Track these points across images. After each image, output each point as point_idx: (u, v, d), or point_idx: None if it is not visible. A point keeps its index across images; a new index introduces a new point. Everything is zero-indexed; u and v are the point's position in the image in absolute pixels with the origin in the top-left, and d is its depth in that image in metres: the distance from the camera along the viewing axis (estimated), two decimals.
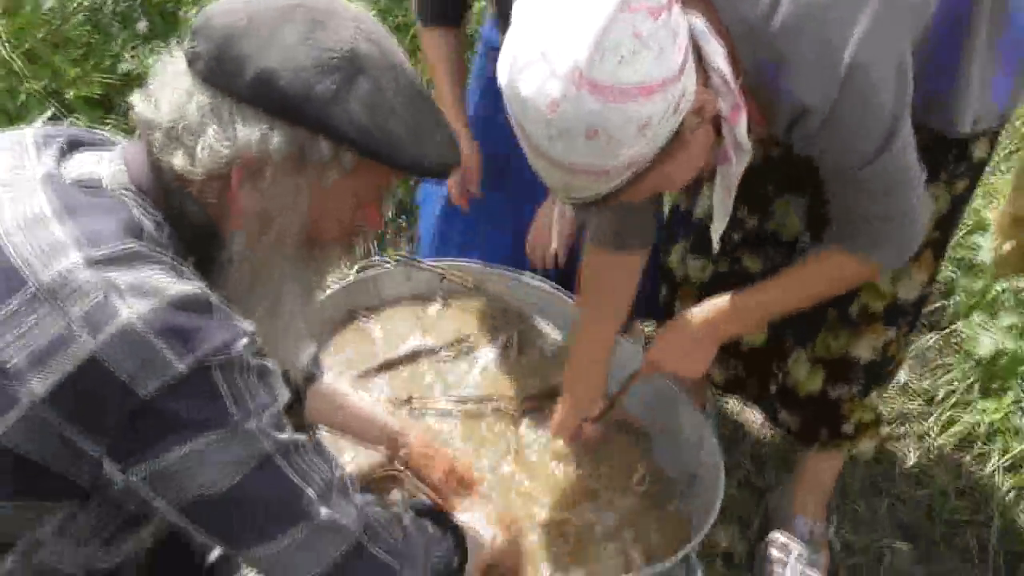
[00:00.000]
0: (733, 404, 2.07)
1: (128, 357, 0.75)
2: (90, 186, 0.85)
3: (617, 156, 0.94)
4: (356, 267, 1.87)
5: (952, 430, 2.01)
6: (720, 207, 1.17)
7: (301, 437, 0.87)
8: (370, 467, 1.42)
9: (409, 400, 1.58)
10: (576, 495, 1.44)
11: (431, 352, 1.71)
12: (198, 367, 0.77)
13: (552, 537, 1.36)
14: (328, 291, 1.76)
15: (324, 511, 0.86)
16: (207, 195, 0.86)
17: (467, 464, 1.42)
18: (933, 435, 2.02)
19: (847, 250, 1.21)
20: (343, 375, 1.60)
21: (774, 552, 1.65)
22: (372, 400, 1.47)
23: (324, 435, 1.45)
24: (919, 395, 2.13)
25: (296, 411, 1.30)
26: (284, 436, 0.84)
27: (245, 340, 0.81)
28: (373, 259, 1.89)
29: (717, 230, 1.19)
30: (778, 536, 1.68)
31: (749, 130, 1.07)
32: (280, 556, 0.85)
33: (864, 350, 1.46)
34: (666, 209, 1.72)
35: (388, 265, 1.84)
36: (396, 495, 1.34)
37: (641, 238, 1.40)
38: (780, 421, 1.64)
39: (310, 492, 0.85)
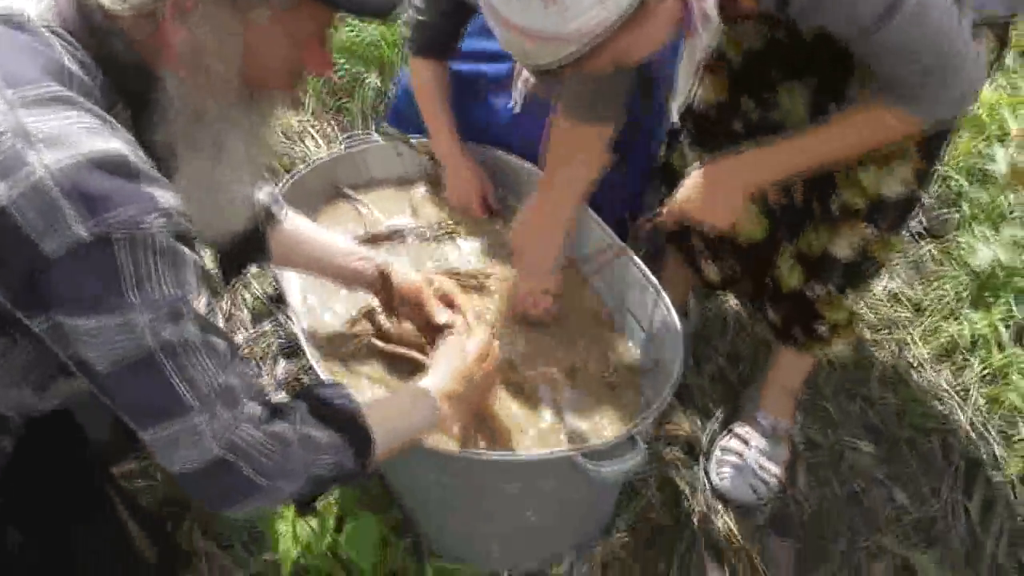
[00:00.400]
0: (716, 301, 2.07)
1: (35, 213, 0.72)
2: (13, 20, 0.80)
3: (574, 21, 0.91)
4: (343, 141, 1.86)
5: (934, 339, 2.00)
6: (683, 80, 1.12)
7: (196, 334, 0.84)
8: (350, 318, 1.45)
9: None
10: (539, 369, 1.46)
11: (415, 231, 1.72)
12: (100, 237, 0.73)
13: (507, 398, 1.39)
14: (314, 163, 1.76)
15: (196, 419, 0.84)
16: (136, 34, 0.82)
17: (448, 283, 1.42)
18: (916, 343, 2.01)
19: (885, 104, 1.15)
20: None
21: (733, 443, 1.69)
22: (335, 233, 1.45)
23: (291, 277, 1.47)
24: (908, 303, 2.11)
25: (260, 256, 1.32)
26: (174, 331, 0.81)
27: (160, 218, 0.76)
28: (360, 134, 1.87)
29: (676, 105, 1.14)
30: (740, 428, 1.71)
31: (729, 7, 1.02)
32: (150, 442, 0.85)
33: (842, 248, 1.43)
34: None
35: (377, 139, 1.82)
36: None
37: (612, 110, 1.36)
38: (769, 319, 1.64)
39: (187, 396, 0.83)
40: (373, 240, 1.68)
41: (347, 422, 1.02)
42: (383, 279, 1.36)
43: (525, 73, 1.24)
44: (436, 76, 1.72)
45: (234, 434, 0.88)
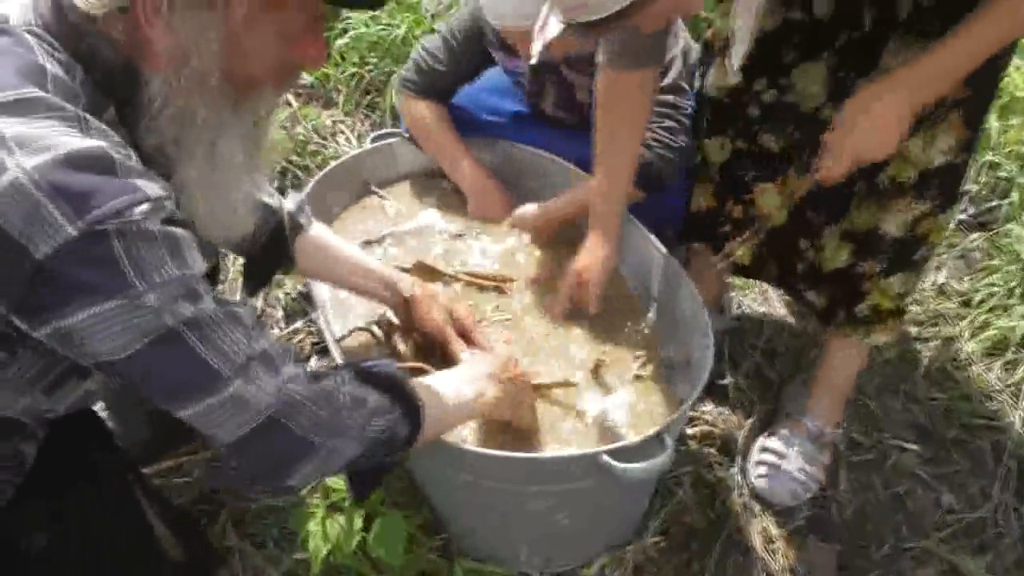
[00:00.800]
0: (751, 296, 2.02)
1: (17, 216, 0.71)
2: None
3: None
4: (371, 137, 1.86)
5: (984, 334, 1.92)
6: (742, 30, 1.06)
7: (215, 309, 0.83)
8: (366, 322, 1.46)
9: (416, 266, 1.58)
10: (572, 370, 1.44)
11: (441, 231, 1.70)
12: (90, 231, 0.73)
13: (557, 392, 1.38)
14: (341, 159, 1.76)
15: (234, 386, 0.83)
16: (115, 32, 0.80)
17: (467, 310, 1.42)
18: (964, 338, 1.93)
19: None
20: (353, 243, 1.61)
21: (774, 443, 1.64)
22: (360, 250, 1.45)
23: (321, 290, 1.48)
24: (956, 296, 2.03)
25: (284, 263, 1.32)
26: (194, 308, 0.80)
27: (145, 205, 0.75)
28: (389, 131, 1.87)
29: (738, 53, 1.08)
30: (783, 428, 1.66)
31: None
32: (195, 420, 0.84)
33: (892, 224, 1.39)
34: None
35: (406, 134, 1.81)
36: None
37: (654, 55, 1.35)
38: (807, 301, 1.60)
39: (219, 366, 0.82)
40: (396, 237, 1.67)
41: (392, 386, 1.01)
42: (404, 309, 1.36)
43: (548, 31, 1.20)
44: (441, 113, 1.74)
45: (281, 394, 0.87)
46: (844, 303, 1.52)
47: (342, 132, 2.33)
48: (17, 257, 0.72)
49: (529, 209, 1.62)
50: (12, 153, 0.72)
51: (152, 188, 0.77)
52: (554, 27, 1.17)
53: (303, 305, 1.91)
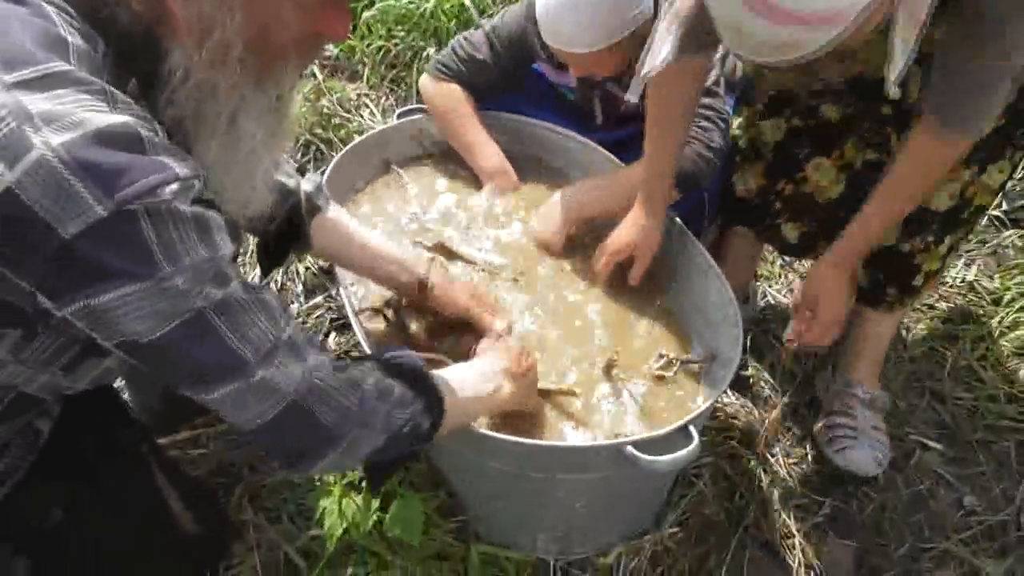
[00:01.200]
0: (775, 287, 1.99)
1: (44, 195, 0.70)
2: None
3: None
4: (398, 112, 1.83)
5: (1014, 334, 1.88)
6: (903, 46, 1.03)
7: (243, 294, 0.82)
8: (380, 302, 1.44)
9: (438, 246, 1.56)
10: (594, 361, 1.42)
11: (463, 215, 1.67)
12: (119, 211, 0.71)
13: (560, 398, 1.35)
14: (366, 134, 1.74)
15: (260, 372, 0.82)
16: (135, 2, 0.78)
17: (487, 292, 1.41)
18: (993, 337, 1.90)
19: (933, 127, 1.17)
20: (376, 227, 1.59)
21: (840, 418, 1.63)
22: (378, 234, 1.43)
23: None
24: (986, 293, 1.99)
25: (300, 244, 1.30)
26: (222, 292, 0.79)
27: (175, 185, 0.74)
28: (414, 105, 1.84)
29: (895, 74, 1.05)
30: (840, 403, 1.66)
31: None
32: (218, 404, 0.83)
33: (942, 199, 1.40)
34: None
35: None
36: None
37: (711, 46, 1.34)
38: (862, 283, 1.58)
39: (245, 351, 0.81)
40: (417, 221, 1.64)
41: (416, 378, 1.01)
42: (420, 290, 1.34)
43: (657, 61, 1.22)
44: (469, 100, 1.71)
45: (307, 379, 0.86)
46: (896, 281, 1.53)
47: (366, 106, 2.30)
48: (43, 236, 0.71)
49: (551, 229, 1.58)
50: (39, 130, 0.70)
51: (181, 167, 0.76)
52: (664, 58, 1.20)
53: (323, 280, 1.89)
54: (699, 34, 1.27)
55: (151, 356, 0.80)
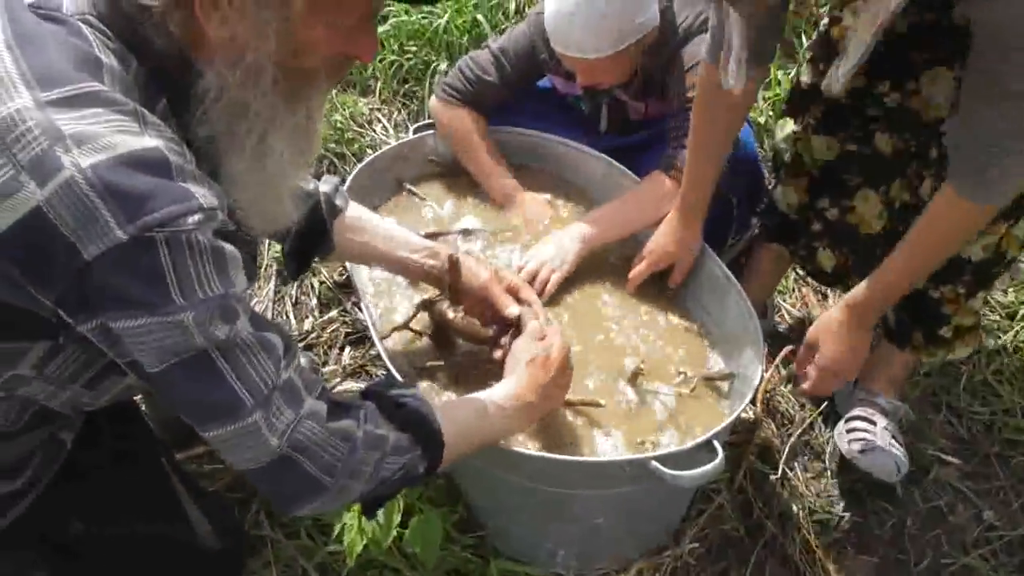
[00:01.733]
0: (789, 301, 1.99)
1: (70, 215, 0.70)
2: (47, 11, 0.78)
3: None
4: (413, 128, 1.84)
5: None
6: (858, 45, 1.03)
7: (248, 333, 0.83)
8: (404, 318, 1.43)
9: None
10: (620, 370, 1.42)
11: (479, 235, 1.68)
12: (140, 236, 0.71)
13: (583, 408, 1.35)
14: (382, 150, 1.75)
15: (255, 416, 0.83)
16: (170, 23, 0.79)
17: (514, 276, 1.40)
18: (1008, 351, 1.89)
19: (953, 190, 1.13)
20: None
21: (858, 422, 1.61)
22: (400, 226, 1.42)
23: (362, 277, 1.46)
24: (1000, 308, 1.99)
25: (323, 247, 1.30)
26: (228, 331, 0.80)
27: (198, 216, 0.74)
28: (430, 120, 1.85)
29: (845, 70, 1.05)
30: (862, 410, 1.64)
31: None
32: (215, 442, 0.84)
33: (975, 251, 1.36)
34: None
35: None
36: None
37: (769, 54, 1.36)
38: (891, 320, 1.56)
39: (244, 394, 0.82)
40: (433, 237, 1.64)
41: (418, 424, 1.00)
42: (452, 268, 1.32)
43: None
44: (481, 124, 1.74)
45: (296, 431, 0.87)
46: (923, 326, 1.50)
47: (379, 120, 2.31)
48: (66, 255, 0.72)
49: (571, 250, 1.56)
50: (69, 151, 0.71)
51: (206, 196, 0.76)
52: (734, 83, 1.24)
53: (337, 294, 1.89)
54: (761, 49, 1.29)
55: (154, 385, 0.81)
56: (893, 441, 1.59)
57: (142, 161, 0.72)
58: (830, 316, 1.33)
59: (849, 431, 1.61)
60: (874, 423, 1.61)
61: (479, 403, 1.12)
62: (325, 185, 1.29)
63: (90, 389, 0.94)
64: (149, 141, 0.74)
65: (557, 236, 1.57)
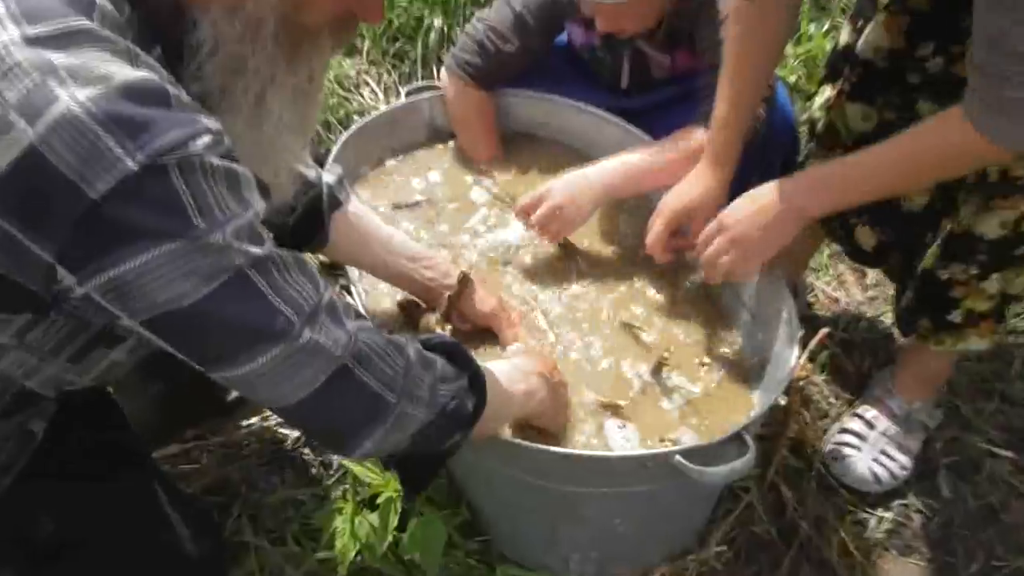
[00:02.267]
0: (824, 279, 1.99)
1: (70, 151, 0.71)
2: None
3: None
4: (405, 91, 1.83)
5: None
6: None
7: (281, 252, 0.84)
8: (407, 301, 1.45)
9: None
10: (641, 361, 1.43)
11: (474, 215, 1.68)
12: (152, 164, 0.72)
13: (598, 403, 1.36)
14: (372, 116, 1.74)
15: (306, 333, 0.84)
16: None
17: (511, 304, 1.43)
18: None
19: (968, 113, 1.10)
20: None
21: (855, 424, 1.62)
22: (403, 233, 1.45)
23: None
24: None
25: (316, 241, 1.31)
26: (259, 250, 0.81)
27: (207, 138, 0.76)
28: (422, 83, 1.84)
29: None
30: (867, 409, 1.64)
31: None
32: (260, 378, 0.84)
33: (991, 226, 1.33)
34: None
35: (441, 88, 1.78)
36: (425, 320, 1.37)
37: None
38: (901, 306, 1.54)
39: (289, 312, 0.82)
40: (420, 215, 1.65)
41: (457, 354, 1.03)
42: (461, 286, 1.36)
43: None
44: (488, 106, 1.75)
45: (354, 341, 0.88)
46: (928, 309, 1.48)
47: (367, 83, 2.30)
48: (69, 198, 0.72)
49: (581, 208, 1.54)
50: (64, 83, 0.71)
51: (211, 122, 0.78)
52: None
53: (323, 275, 1.89)
54: None
55: (185, 327, 0.80)
56: (889, 450, 1.60)
57: (141, 91, 0.74)
58: (764, 188, 1.31)
59: (841, 431, 1.64)
60: (872, 427, 1.62)
61: (502, 365, 1.17)
62: (329, 175, 1.30)
63: (75, 363, 0.95)
64: (145, 73, 0.75)
65: (574, 181, 1.53)
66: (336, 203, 1.30)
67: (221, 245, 0.77)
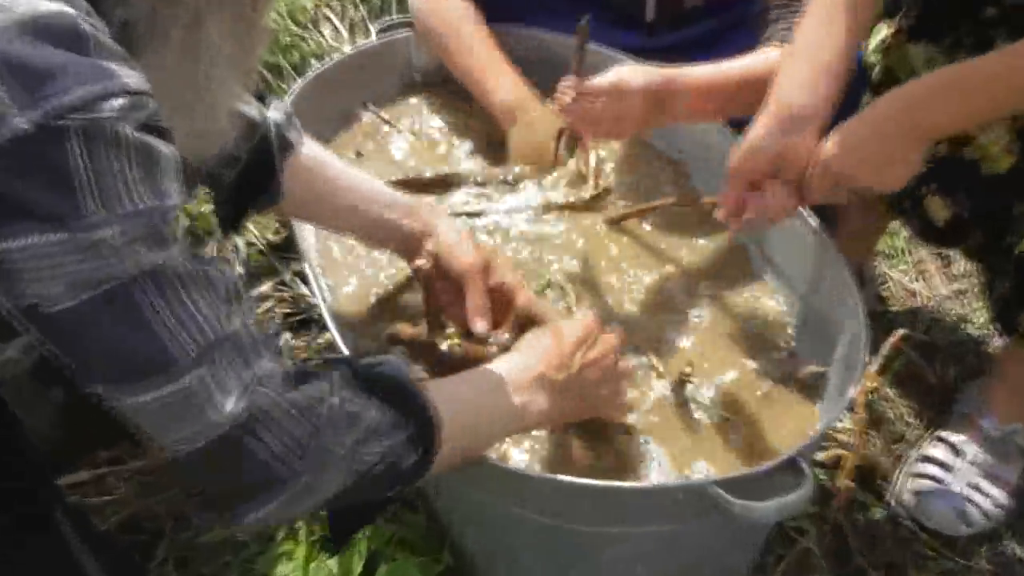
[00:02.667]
0: (900, 266, 1.99)
1: None
2: None
3: None
4: (377, 28, 1.84)
5: None
6: None
7: (188, 263, 0.84)
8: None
9: None
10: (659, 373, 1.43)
11: (468, 181, 1.70)
12: (48, 125, 0.72)
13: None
14: (332, 61, 1.75)
15: (193, 374, 0.83)
16: None
17: (507, 261, 1.43)
18: None
19: None
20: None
21: (938, 451, 1.63)
22: (371, 176, 1.43)
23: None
24: None
25: (267, 196, 1.31)
26: (159, 257, 0.81)
27: (122, 99, 0.75)
28: (396, 17, 1.85)
29: None
30: (952, 435, 1.65)
31: None
32: (138, 415, 0.84)
33: None
34: None
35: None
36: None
37: None
38: (995, 296, 1.55)
39: (178, 343, 0.82)
40: (410, 185, 1.64)
41: (399, 393, 1.01)
42: (423, 284, 1.35)
43: None
44: (477, 14, 1.74)
45: (250, 396, 0.87)
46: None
47: (327, 19, 2.31)
48: None
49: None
50: None
51: (133, 78, 0.77)
52: None
53: (272, 260, 1.90)
54: None
55: (59, 331, 0.80)
56: (981, 483, 1.61)
57: (49, 29, 0.74)
58: (871, 110, 1.33)
59: (921, 460, 1.65)
60: (959, 454, 1.63)
61: (483, 373, 1.16)
62: (274, 112, 1.30)
63: None
64: (55, 5, 0.75)
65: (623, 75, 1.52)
66: (287, 145, 1.30)
67: (113, 246, 0.77)
